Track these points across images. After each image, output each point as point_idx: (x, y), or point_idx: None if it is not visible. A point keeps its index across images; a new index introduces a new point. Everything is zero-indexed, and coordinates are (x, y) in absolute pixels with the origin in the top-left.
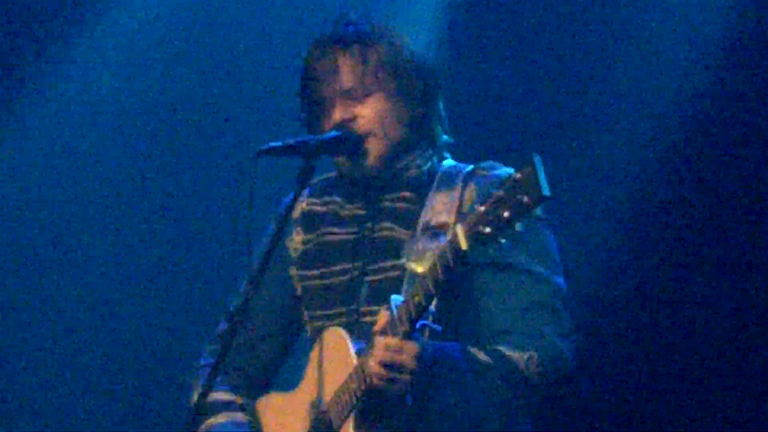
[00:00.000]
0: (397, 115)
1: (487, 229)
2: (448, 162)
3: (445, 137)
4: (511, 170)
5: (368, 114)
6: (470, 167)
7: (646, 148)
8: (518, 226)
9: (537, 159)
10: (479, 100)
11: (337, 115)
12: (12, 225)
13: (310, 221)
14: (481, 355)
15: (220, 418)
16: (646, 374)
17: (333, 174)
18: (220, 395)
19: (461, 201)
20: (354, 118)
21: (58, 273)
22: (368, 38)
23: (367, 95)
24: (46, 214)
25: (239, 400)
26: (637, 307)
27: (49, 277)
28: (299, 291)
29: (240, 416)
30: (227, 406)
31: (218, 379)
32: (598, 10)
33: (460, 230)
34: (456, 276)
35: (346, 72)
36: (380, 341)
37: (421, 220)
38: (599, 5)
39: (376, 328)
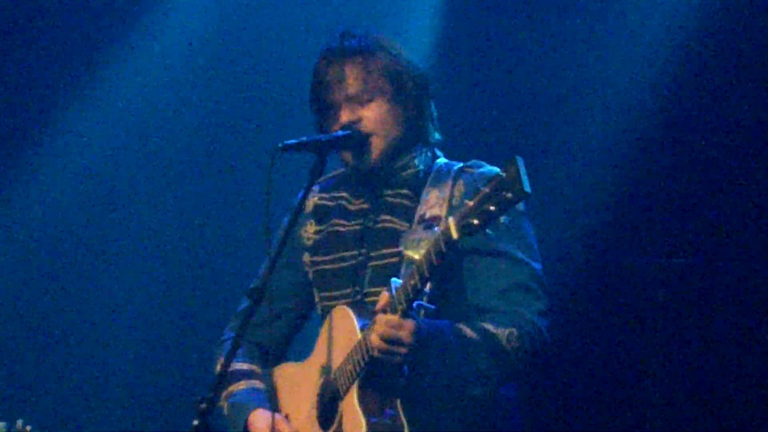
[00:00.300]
0: (396, 116)
1: (476, 221)
2: (441, 160)
3: (436, 135)
4: (495, 168)
5: (371, 116)
6: (459, 165)
7: (620, 144)
8: (502, 219)
9: (519, 160)
10: (467, 101)
11: (344, 117)
12: (57, 223)
13: (321, 214)
14: (468, 331)
15: (241, 385)
16: (625, 359)
17: (339, 171)
18: (240, 365)
19: (451, 196)
20: (359, 120)
21: (98, 259)
22: (370, 50)
23: (369, 100)
24: (84, 207)
25: (257, 370)
26: (611, 296)
27: (91, 263)
28: (311, 275)
29: (258, 383)
30: (247, 374)
31: (239, 350)
32: (575, 15)
33: (451, 221)
34: (447, 261)
35: (352, 80)
36: (381, 318)
37: (417, 213)
38: (576, 12)
39: (378, 306)
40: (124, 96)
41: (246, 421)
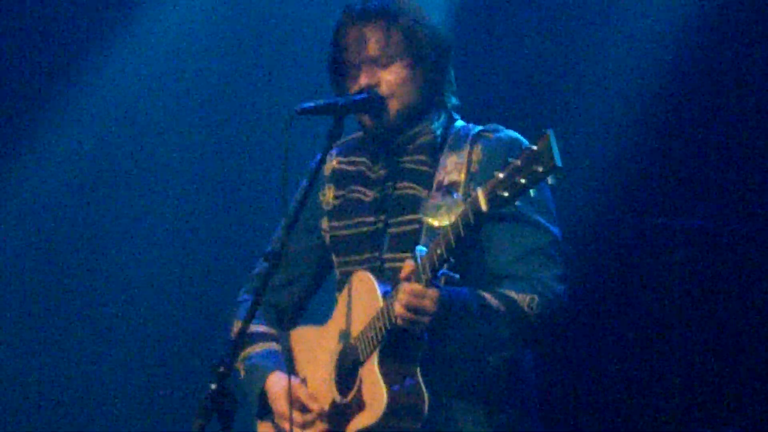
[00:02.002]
0: (415, 80)
1: (506, 194)
2: (458, 123)
3: (453, 100)
4: (512, 132)
5: (391, 79)
6: (477, 129)
7: (639, 103)
8: (532, 192)
9: (551, 133)
10: (483, 66)
11: (363, 80)
12: (61, 211)
13: (340, 179)
14: (490, 298)
15: (257, 348)
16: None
17: (358, 135)
18: (257, 327)
19: (469, 161)
20: (378, 83)
21: (115, 239)
22: (392, 12)
23: (389, 63)
24: (92, 194)
25: (273, 332)
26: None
27: (107, 249)
28: (328, 240)
29: (275, 346)
30: (263, 336)
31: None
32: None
33: (480, 193)
34: (475, 232)
35: (372, 42)
36: (406, 287)
37: (436, 179)
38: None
39: (402, 275)
40: (126, 78)
41: (263, 383)
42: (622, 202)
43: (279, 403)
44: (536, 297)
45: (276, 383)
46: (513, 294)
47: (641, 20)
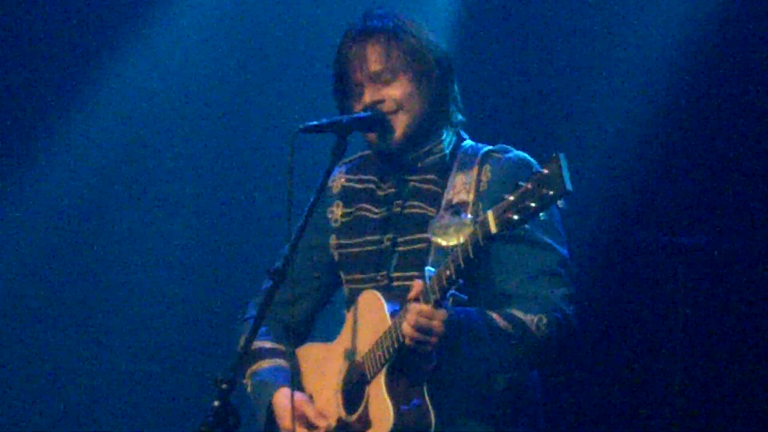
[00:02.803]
0: (419, 95)
1: (516, 217)
2: (466, 143)
3: (459, 116)
4: (521, 153)
5: (395, 94)
6: (485, 149)
7: (644, 122)
8: (542, 215)
9: (562, 157)
10: (487, 83)
11: (367, 97)
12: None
13: (348, 196)
14: (498, 319)
15: (264, 364)
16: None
17: (366, 152)
18: (264, 343)
19: (478, 181)
20: (382, 100)
21: (123, 249)
22: (392, 29)
23: (392, 79)
24: (104, 194)
25: (281, 348)
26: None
27: (113, 243)
28: (336, 257)
29: (282, 362)
30: (271, 353)
31: (262, 329)
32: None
33: (490, 215)
34: (484, 254)
35: (374, 58)
36: (414, 307)
37: (444, 199)
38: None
39: (411, 295)
40: (140, 79)
41: (270, 399)
42: (624, 220)
43: (285, 419)
44: (544, 317)
45: (283, 399)
46: (521, 314)
47: (643, 46)
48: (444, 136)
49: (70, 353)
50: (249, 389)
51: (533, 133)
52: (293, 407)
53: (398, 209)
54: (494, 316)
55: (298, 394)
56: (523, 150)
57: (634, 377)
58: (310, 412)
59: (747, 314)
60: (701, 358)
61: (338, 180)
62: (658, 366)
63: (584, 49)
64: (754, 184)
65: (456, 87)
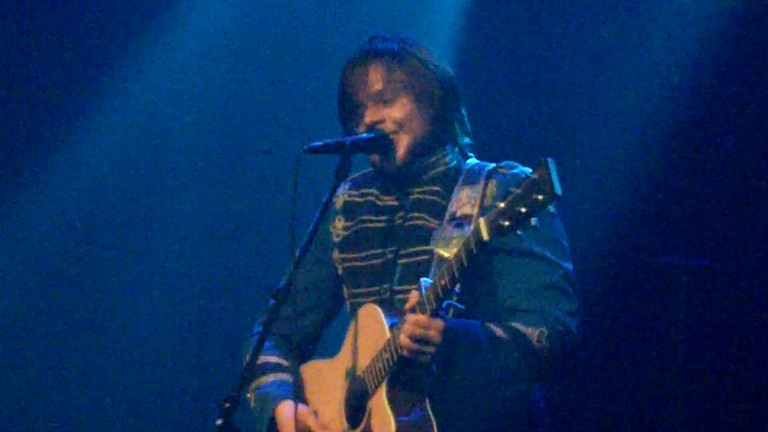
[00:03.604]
0: (420, 116)
1: (507, 223)
2: (472, 161)
3: (466, 139)
4: (527, 169)
5: (395, 115)
6: (492, 165)
7: (646, 142)
8: (533, 221)
9: (551, 162)
10: (492, 100)
11: (368, 118)
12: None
13: (350, 210)
14: (499, 331)
15: (269, 378)
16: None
17: (368, 170)
18: (269, 358)
19: (483, 195)
20: (383, 120)
21: (129, 254)
22: (395, 51)
23: (393, 99)
24: (113, 205)
25: (286, 363)
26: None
27: (122, 257)
28: (340, 271)
29: (286, 377)
30: (275, 367)
31: (267, 344)
32: (595, 18)
33: (482, 223)
34: (478, 262)
35: (376, 79)
36: (410, 317)
37: (448, 211)
38: (599, 15)
39: (407, 306)
40: (148, 95)
41: (273, 412)
42: (628, 241)
43: (288, 431)
44: (546, 330)
45: (286, 412)
46: (522, 327)
47: (647, 73)
48: (448, 150)
49: (75, 361)
50: (252, 403)
51: (537, 151)
52: (297, 419)
53: (400, 221)
54: (494, 328)
55: (301, 407)
56: (523, 164)
57: (640, 394)
58: (313, 424)
59: (750, 335)
60: (705, 376)
61: (341, 197)
62: (663, 383)
63: (589, 70)
64: (758, 205)
65: (463, 110)
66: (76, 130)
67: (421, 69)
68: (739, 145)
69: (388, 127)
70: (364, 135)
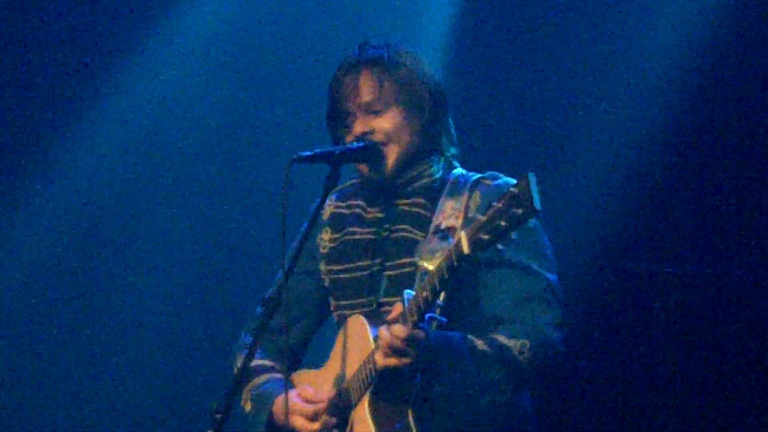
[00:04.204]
0: (410, 126)
1: (486, 236)
2: (458, 171)
3: (452, 150)
4: (512, 180)
5: (385, 126)
6: (476, 176)
7: (631, 151)
8: (513, 235)
9: (531, 176)
10: (480, 107)
11: (357, 128)
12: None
13: (337, 222)
14: (480, 343)
15: (264, 377)
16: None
17: (355, 181)
18: (262, 362)
19: (467, 207)
20: (372, 131)
21: (115, 264)
22: (386, 60)
23: (383, 110)
24: (102, 212)
25: (278, 366)
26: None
27: (107, 269)
28: (327, 283)
29: (279, 376)
30: (268, 369)
31: (257, 352)
32: (588, 24)
33: (463, 236)
34: (460, 274)
35: (366, 88)
36: (391, 329)
37: (433, 224)
38: (588, 22)
39: (390, 317)
40: (140, 102)
41: (271, 405)
42: (613, 248)
43: (287, 417)
44: (527, 342)
45: (282, 405)
46: (503, 339)
47: (629, 74)
48: (434, 161)
49: (70, 362)
50: (248, 406)
51: (524, 157)
52: (288, 413)
53: (386, 233)
54: (476, 340)
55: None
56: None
57: (625, 400)
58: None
59: (734, 340)
60: (689, 382)
61: (328, 208)
62: (649, 389)
63: (579, 77)
64: (742, 212)
65: (450, 120)
66: (72, 134)
67: (412, 79)
68: (723, 153)
69: (378, 137)
70: (354, 145)
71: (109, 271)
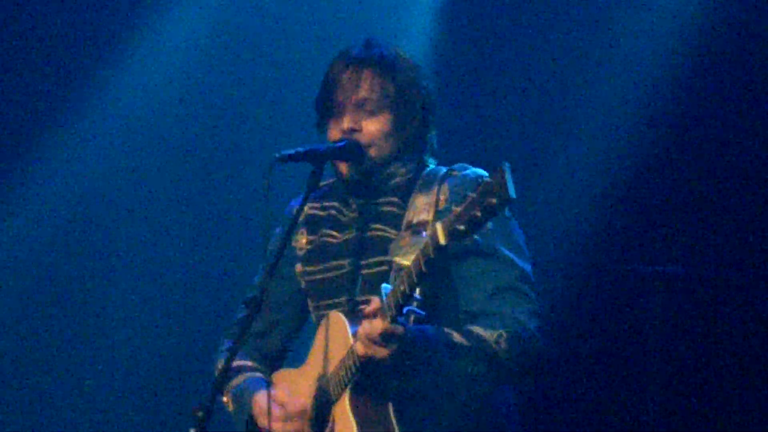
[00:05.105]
0: (395, 135)
1: (462, 227)
2: (430, 167)
3: (431, 160)
4: (480, 170)
5: (372, 129)
6: (445, 170)
7: (618, 151)
8: (489, 224)
9: (506, 166)
10: (464, 104)
11: (346, 123)
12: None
13: (312, 224)
14: (457, 336)
15: (245, 376)
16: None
17: (330, 181)
18: (243, 362)
19: (437, 200)
20: (360, 130)
21: (96, 265)
22: (389, 63)
23: (375, 112)
24: (88, 211)
25: (259, 367)
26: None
27: (89, 270)
28: (303, 285)
29: (259, 375)
30: (249, 369)
31: (239, 354)
32: (570, 22)
33: (439, 227)
34: (436, 267)
35: (365, 86)
36: (368, 323)
37: (405, 220)
38: (570, 20)
39: (367, 311)
40: (125, 103)
41: (252, 400)
42: (600, 249)
43: (263, 415)
44: (504, 333)
45: (262, 399)
46: (480, 331)
47: (617, 72)
48: (408, 159)
49: (56, 358)
50: (230, 405)
51: (511, 154)
52: (270, 409)
53: (360, 233)
54: (452, 332)
55: (275, 393)
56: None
57: (614, 399)
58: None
59: (724, 341)
60: (679, 381)
61: (304, 209)
62: (635, 391)
63: (565, 75)
64: (733, 213)
65: (434, 133)
66: (58, 134)
67: (409, 88)
68: (713, 153)
69: (362, 138)
70: (338, 143)
71: (92, 270)
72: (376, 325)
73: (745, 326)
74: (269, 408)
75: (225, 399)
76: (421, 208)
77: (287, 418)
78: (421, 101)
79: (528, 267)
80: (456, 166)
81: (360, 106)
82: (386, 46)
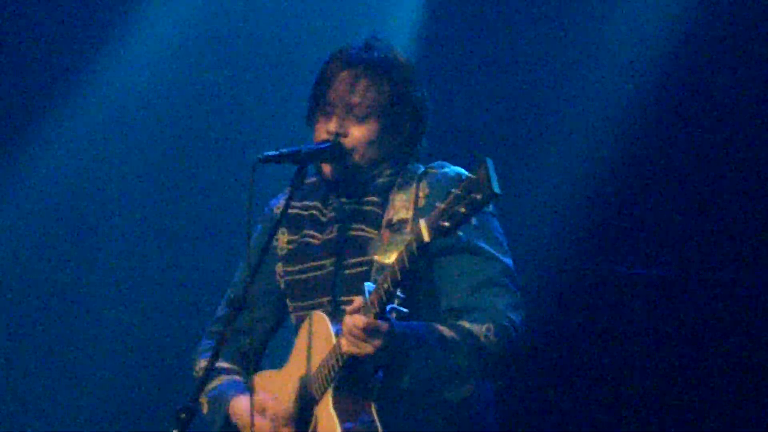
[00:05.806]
0: (381, 144)
1: (447, 223)
2: (410, 165)
3: (416, 164)
4: (458, 168)
5: (359, 135)
6: (423, 168)
7: (602, 151)
8: (473, 220)
9: (489, 162)
10: (451, 99)
11: (333, 125)
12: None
13: (293, 224)
14: (445, 330)
15: (222, 379)
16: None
17: (310, 180)
18: (221, 364)
19: (416, 198)
20: (346, 134)
21: (80, 263)
22: (386, 69)
23: (365, 118)
24: (69, 211)
25: (238, 369)
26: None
27: (72, 268)
28: (282, 285)
29: (238, 378)
30: (227, 371)
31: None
32: (557, 17)
33: (423, 224)
34: (420, 264)
35: (358, 91)
36: (352, 319)
37: (385, 218)
38: (558, 14)
39: (350, 309)
40: (110, 100)
41: (227, 406)
42: (583, 251)
43: (243, 417)
44: (492, 326)
45: (241, 404)
46: (468, 325)
47: (603, 71)
48: (393, 164)
49: (39, 357)
50: (205, 408)
51: (494, 154)
52: (252, 413)
53: (341, 233)
54: (440, 327)
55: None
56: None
57: (596, 400)
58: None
59: (707, 345)
60: (662, 382)
61: (283, 208)
62: (616, 391)
63: (551, 72)
64: (718, 215)
65: (422, 142)
66: (39, 131)
67: (403, 97)
68: (696, 155)
69: (348, 143)
70: (321, 144)
71: (73, 267)
72: (359, 320)
73: (729, 329)
74: (252, 412)
75: (201, 400)
76: (400, 206)
77: (268, 419)
78: (412, 110)
79: (509, 261)
80: (434, 164)
81: (350, 110)
82: (386, 49)
